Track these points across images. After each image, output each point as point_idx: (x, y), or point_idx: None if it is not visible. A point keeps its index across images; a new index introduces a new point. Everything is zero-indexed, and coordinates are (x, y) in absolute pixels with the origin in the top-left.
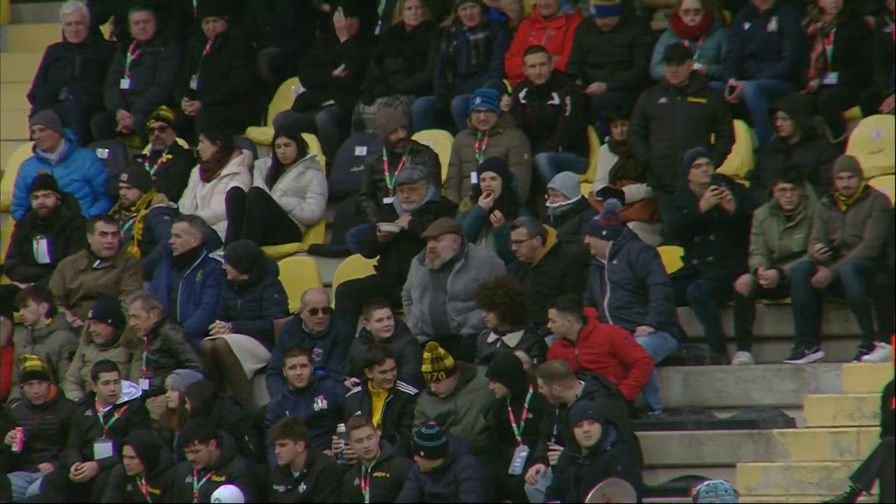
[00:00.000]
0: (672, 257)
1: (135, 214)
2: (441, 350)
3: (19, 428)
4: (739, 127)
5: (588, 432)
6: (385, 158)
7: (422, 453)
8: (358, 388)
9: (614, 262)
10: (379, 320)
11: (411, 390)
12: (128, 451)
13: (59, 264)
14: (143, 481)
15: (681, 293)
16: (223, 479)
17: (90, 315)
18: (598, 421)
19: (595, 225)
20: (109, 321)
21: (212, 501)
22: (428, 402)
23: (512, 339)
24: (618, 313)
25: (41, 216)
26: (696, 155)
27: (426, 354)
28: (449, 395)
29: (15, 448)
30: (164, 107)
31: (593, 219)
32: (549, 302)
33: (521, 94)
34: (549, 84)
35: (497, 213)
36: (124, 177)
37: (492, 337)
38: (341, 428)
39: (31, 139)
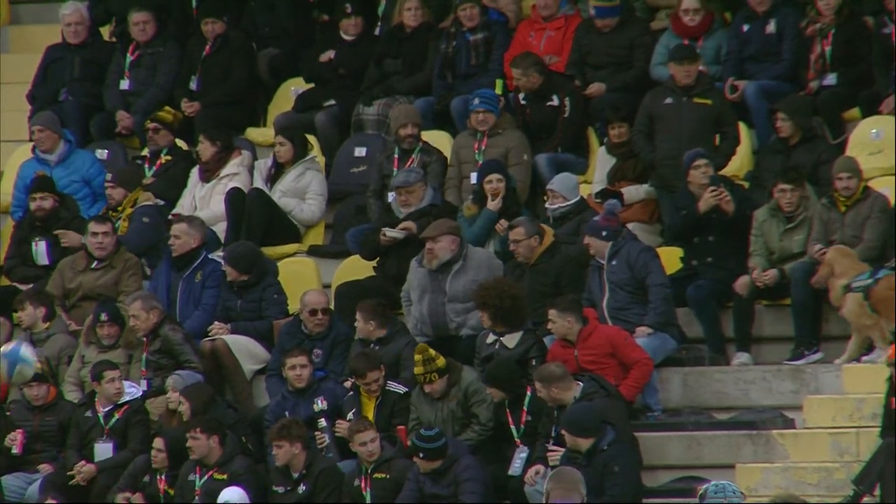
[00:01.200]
0: (672, 258)
1: (121, 215)
2: (431, 351)
3: (19, 430)
4: (739, 128)
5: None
6: (396, 156)
7: (421, 455)
8: (350, 394)
9: (613, 262)
10: (356, 321)
11: (401, 389)
12: (158, 443)
13: (59, 264)
14: (163, 477)
15: (680, 294)
16: (225, 477)
17: (104, 318)
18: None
19: (595, 226)
20: (121, 322)
21: (219, 502)
22: (421, 401)
23: (510, 339)
24: (617, 314)
25: (39, 218)
26: (696, 156)
27: (417, 357)
28: (441, 396)
29: (15, 450)
30: (167, 108)
31: (593, 219)
32: (549, 303)
33: (521, 96)
34: (546, 86)
35: (503, 222)
36: (108, 176)
37: (490, 338)
38: (322, 423)
39: (31, 140)
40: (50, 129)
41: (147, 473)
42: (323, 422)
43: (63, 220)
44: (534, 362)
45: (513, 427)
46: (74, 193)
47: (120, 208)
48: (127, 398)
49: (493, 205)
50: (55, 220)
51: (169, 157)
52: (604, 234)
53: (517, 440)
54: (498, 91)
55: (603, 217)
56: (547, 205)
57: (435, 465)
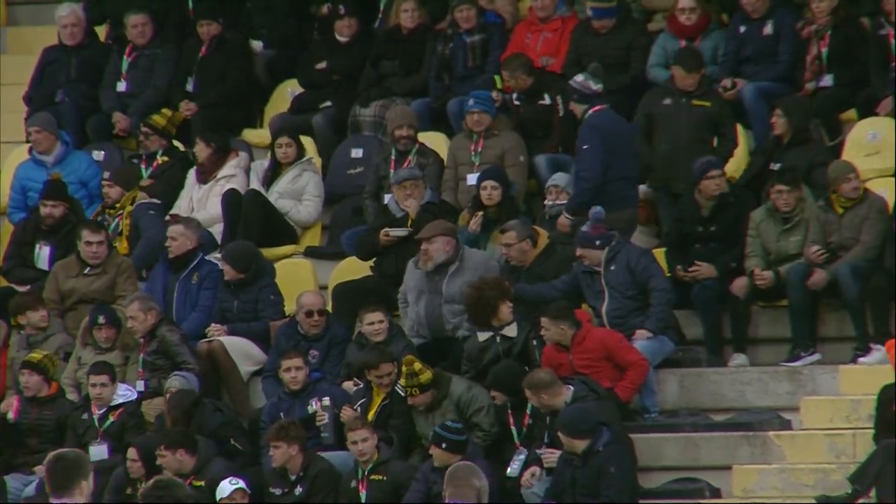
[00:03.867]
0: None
1: (120, 212)
2: (417, 365)
3: (16, 396)
4: (738, 130)
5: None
6: (392, 157)
7: (444, 445)
8: (360, 386)
9: (612, 268)
10: (370, 324)
11: (402, 392)
12: (131, 453)
13: (53, 268)
14: (143, 486)
15: (680, 296)
16: (203, 483)
17: (101, 321)
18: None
19: (586, 237)
20: (118, 325)
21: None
22: (415, 411)
23: (511, 330)
24: (617, 321)
25: (47, 224)
26: (710, 166)
27: (403, 368)
28: (430, 408)
29: (10, 416)
30: (164, 110)
31: (581, 230)
32: (541, 310)
33: (514, 96)
34: (537, 85)
35: (475, 222)
36: (106, 175)
37: (483, 336)
38: (326, 401)
39: (27, 141)
40: (47, 130)
41: (129, 484)
42: (327, 400)
43: (70, 224)
44: (535, 342)
45: (514, 429)
46: (71, 195)
47: (118, 205)
48: (121, 401)
49: (472, 225)
50: (62, 224)
51: (165, 159)
52: (597, 243)
53: (517, 443)
54: (497, 86)
55: (591, 226)
56: (548, 202)
57: (454, 459)
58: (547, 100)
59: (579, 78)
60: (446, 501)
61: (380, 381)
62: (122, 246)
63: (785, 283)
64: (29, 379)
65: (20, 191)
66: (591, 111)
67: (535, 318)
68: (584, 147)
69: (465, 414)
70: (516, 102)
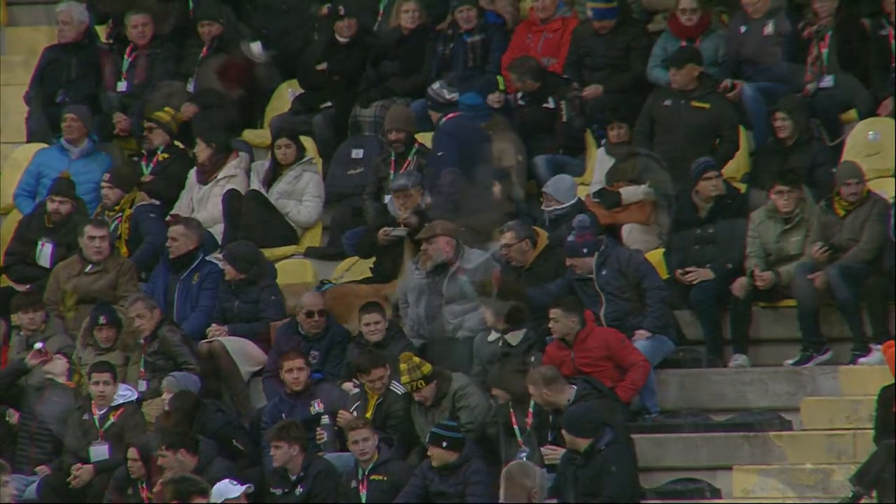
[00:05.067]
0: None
1: (119, 214)
2: (416, 359)
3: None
4: (740, 132)
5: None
6: (392, 158)
7: (444, 444)
8: (358, 390)
9: (603, 272)
10: (367, 324)
11: (400, 389)
12: (132, 453)
13: (54, 268)
14: (144, 486)
15: (679, 296)
16: None
17: (102, 321)
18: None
19: (573, 246)
20: (119, 325)
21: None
22: (415, 411)
23: (514, 337)
24: (616, 324)
25: (53, 221)
26: (707, 167)
27: (402, 366)
28: (434, 403)
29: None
30: (166, 108)
31: (568, 240)
32: (553, 301)
33: (519, 96)
34: (543, 89)
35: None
36: (106, 176)
37: (492, 336)
38: (325, 420)
39: (29, 141)
40: (82, 121)
41: (130, 485)
42: (326, 419)
43: (73, 223)
44: (533, 359)
45: (516, 427)
46: (87, 194)
47: (118, 207)
48: (121, 401)
49: None
50: (66, 221)
51: (166, 155)
52: (584, 251)
53: (520, 440)
54: (500, 87)
55: (577, 235)
56: (542, 207)
57: (453, 457)
58: (551, 104)
59: (435, 86)
60: (501, 502)
61: (372, 384)
62: (122, 251)
63: (785, 284)
64: (58, 362)
65: (34, 175)
66: (444, 119)
67: (540, 324)
68: (439, 154)
69: (455, 407)
70: (520, 103)
